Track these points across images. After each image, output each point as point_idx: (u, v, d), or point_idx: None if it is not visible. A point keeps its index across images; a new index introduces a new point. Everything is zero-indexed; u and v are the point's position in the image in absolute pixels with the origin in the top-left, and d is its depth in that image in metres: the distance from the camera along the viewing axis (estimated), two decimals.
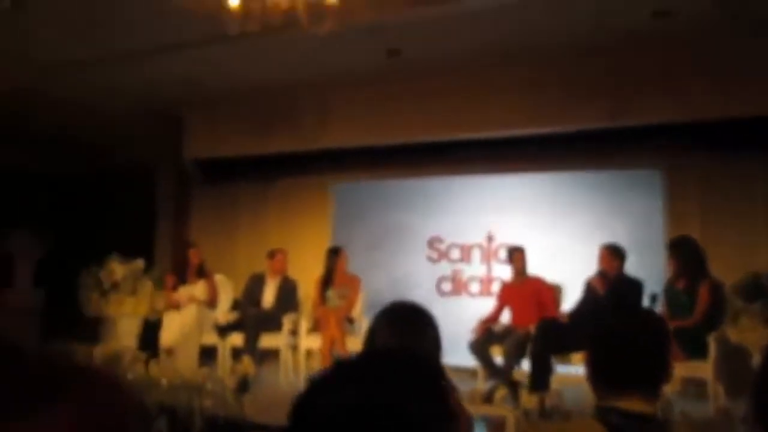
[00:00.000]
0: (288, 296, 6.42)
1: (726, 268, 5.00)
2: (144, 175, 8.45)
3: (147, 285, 6.35)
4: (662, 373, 1.67)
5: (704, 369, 4.49)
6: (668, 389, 4.69)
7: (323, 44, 5.26)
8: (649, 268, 5.70)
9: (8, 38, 5.51)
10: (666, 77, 5.61)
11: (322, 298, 6.17)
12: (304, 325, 6.14)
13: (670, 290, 5.06)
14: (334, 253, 6.37)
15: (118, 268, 6.29)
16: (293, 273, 6.65)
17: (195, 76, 6.43)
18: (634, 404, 1.62)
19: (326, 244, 6.96)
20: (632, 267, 5.46)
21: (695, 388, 4.82)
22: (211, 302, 6.43)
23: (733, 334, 4.43)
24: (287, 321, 6.12)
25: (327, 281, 6.24)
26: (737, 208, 5.87)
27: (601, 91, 5.78)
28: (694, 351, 4.55)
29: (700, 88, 5.47)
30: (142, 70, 6.25)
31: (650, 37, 5.30)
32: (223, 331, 6.23)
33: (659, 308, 4.90)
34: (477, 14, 5.02)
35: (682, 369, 4.67)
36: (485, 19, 5.11)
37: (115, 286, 6.35)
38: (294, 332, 6.14)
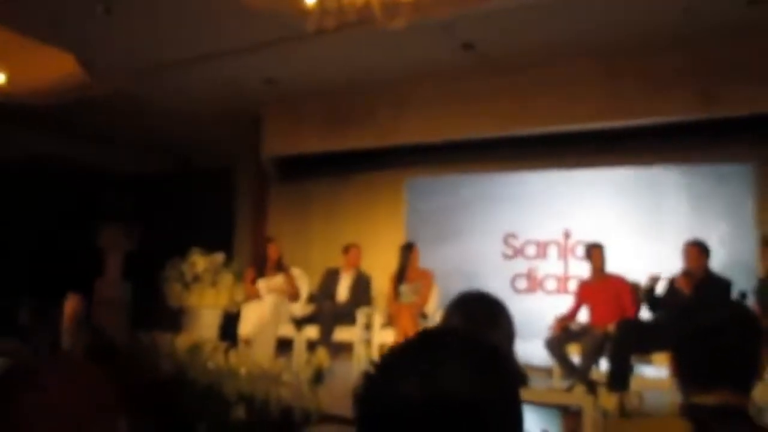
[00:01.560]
0: (362, 290, 6.48)
1: None
2: (225, 174, 8.74)
3: (227, 278, 6.56)
4: (753, 369, 1.59)
5: None
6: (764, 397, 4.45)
7: (398, 40, 5.28)
8: (738, 266, 5.42)
9: (101, 43, 5.80)
10: (758, 67, 5.31)
11: (396, 293, 6.20)
12: (377, 319, 6.17)
13: (763, 287, 4.80)
14: (408, 249, 6.38)
15: (199, 261, 6.52)
16: (367, 268, 6.71)
17: (273, 75, 6.59)
18: (721, 399, 1.55)
19: (400, 239, 6.97)
20: (720, 265, 5.21)
21: None
22: (292, 295, 6.57)
23: None
24: (361, 315, 6.18)
25: (400, 276, 6.27)
26: None
27: (688, 82, 5.54)
28: None
29: None
30: (222, 71, 6.45)
31: (743, 26, 5.03)
32: (299, 323, 6.35)
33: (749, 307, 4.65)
34: (552, 7, 4.91)
35: None
36: (560, 12, 4.99)
37: (196, 278, 6.60)
38: (368, 326, 6.19)
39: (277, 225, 8.14)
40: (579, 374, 5.15)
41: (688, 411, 1.59)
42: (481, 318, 1.94)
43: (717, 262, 5.21)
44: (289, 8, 4.72)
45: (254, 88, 6.90)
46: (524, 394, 1.53)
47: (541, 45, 5.63)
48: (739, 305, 1.72)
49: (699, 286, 4.95)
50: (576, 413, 1.18)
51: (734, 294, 4.78)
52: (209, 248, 6.81)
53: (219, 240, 7.32)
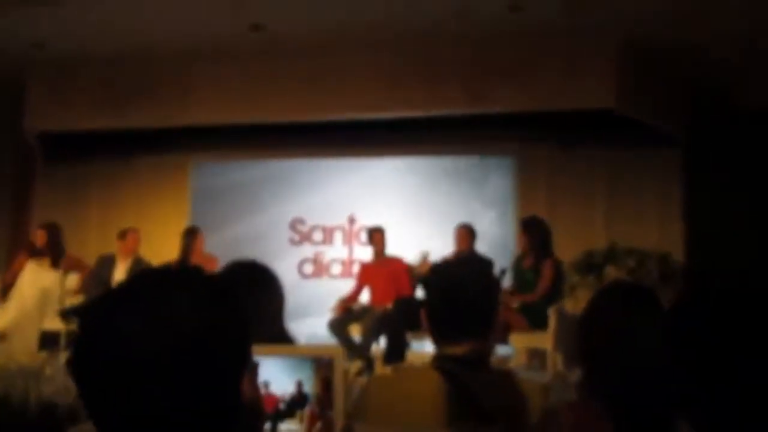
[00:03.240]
0: None
1: (566, 247, 5.39)
2: None
3: None
4: (490, 321, 1.76)
5: (545, 340, 4.81)
6: (513, 362, 5.00)
7: (185, 12, 5.07)
8: (501, 248, 6.02)
9: None
10: (518, 69, 5.92)
11: None
12: None
13: (517, 268, 5.36)
14: (191, 234, 6.16)
15: None
16: (148, 254, 6.34)
17: (39, 38, 5.94)
18: (465, 349, 1.70)
19: (184, 224, 6.70)
20: (486, 247, 5.73)
21: (538, 359, 5.15)
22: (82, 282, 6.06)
23: (570, 306, 4.78)
24: None
25: (183, 262, 6.02)
26: (578, 193, 6.37)
27: (460, 78, 6.00)
28: (537, 323, 4.86)
29: (548, 81, 5.82)
30: None
31: (506, 29, 5.56)
32: (67, 315, 5.82)
33: (507, 283, 5.18)
34: None
35: (525, 340, 4.98)
36: (347, 1, 5.13)
37: None
38: None
39: (45, 209, 7.37)
40: (360, 352, 5.36)
41: (438, 362, 1.73)
42: (249, 283, 1.92)
43: (483, 245, 5.73)
44: None
45: (17, 52, 6.16)
46: (280, 349, 1.54)
47: (330, 32, 5.74)
48: (478, 261, 1.91)
49: (462, 259, 5.39)
50: (328, 363, 1.23)
51: (496, 271, 5.28)
52: None
53: None
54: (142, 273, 0.87)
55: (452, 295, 1.73)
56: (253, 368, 0.96)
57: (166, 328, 0.79)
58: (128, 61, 6.45)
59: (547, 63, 5.85)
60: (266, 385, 1.33)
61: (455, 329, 1.73)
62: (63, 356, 5.47)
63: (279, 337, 1.86)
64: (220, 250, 6.34)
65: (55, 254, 6.08)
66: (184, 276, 0.87)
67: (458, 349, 1.71)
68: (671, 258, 5.13)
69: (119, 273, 6.16)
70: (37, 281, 5.91)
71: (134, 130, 6.83)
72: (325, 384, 1.34)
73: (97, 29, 5.77)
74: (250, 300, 1.87)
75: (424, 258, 5.51)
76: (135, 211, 7.17)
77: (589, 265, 4.81)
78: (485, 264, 5.26)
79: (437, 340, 1.78)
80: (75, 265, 6.16)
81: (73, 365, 0.81)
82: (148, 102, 6.63)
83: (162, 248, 6.47)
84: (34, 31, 5.81)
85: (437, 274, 1.88)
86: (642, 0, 5.03)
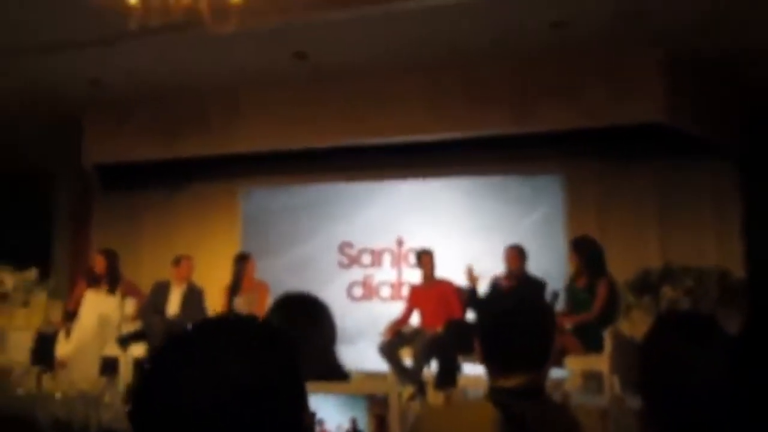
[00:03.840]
0: (194, 304, 6.23)
1: (619, 266, 5.26)
2: (42, 181, 8.02)
3: (41, 296, 6.02)
4: (546, 351, 1.73)
5: (601, 362, 4.69)
6: (568, 384, 4.88)
7: (230, 45, 5.20)
8: (550, 269, 5.91)
9: None
10: (564, 85, 5.85)
11: (230, 305, 6.03)
12: None
13: (571, 288, 5.26)
14: (242, 260, 6.25)
15: (7, 278, 5.92)
16: (200, 280, 6.46)
17: (95, 75, 6.19)
18: (519, 381, 1.67)
19: (235, 250, 6.80)
20: (535, 268, 5.64)
21: (594, 381, 5.02)
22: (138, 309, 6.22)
23: (626, 328, 4.65)
24: None
25: (235, 288, 6.12)
26: (630, 211, 6.22)
27: (504, 97, 5.96)
28: (593, 345, 4.75)
29: (595, 97, 5.73)
30: (38, 68, 5.95)
31: (549, 46, 5.52)
32: (125, 341, 5.96)
33: (560, 305, 5.08)
34: (382, 20, 5.09)
35: (581, 363, 4.86)
36: (390, 25, 5.18)
37: (4, 297, 5.98)
38: None
39: (102, 237, 7.61)
40: (411, 377, 5.32)
41: (492, 394, 1.70)
42: (302, 318, 1.94)
43: (533, 265, 5.64)
44: (114, 5, 4.46)
45: (76, 89, 6.43)
46: (334, 387, 1.55)
47: (372, 57, 5.80)
48: (533, 295, 1.88)
49: (517, 286, 5.32)
50: (382, 400, 1.22)
51: (548, 293, 5.19)
52: (21, 263, 6.20)
53: (33, 254, 6.69)
54: (200, 324, 0.89)
55: (507, 326, 1.71)
56: (311, 417, 0.96)
57: (224, 380, 0.81)
58: (178, 93, 6.65)
59: (593, 79, 5.77)
60: (321, 423, 1.33)
61: (510, 361, 1.70)
62: (121, 383, 5.62)
63: (332, 370, 1.86)
64: (270, 276, 6.42)
65: (113, 280, 6.25)
66: (239, 326, 0.89)
67: (513, 381, 1.68)
68: (731, 276, 4.94)
69: (174, 299, 6.29)
70: (95, 308, 6.08)
71: (185, 160, 7.01)
72: (379, 421, 1.34)
73: (149, 65, 5.97)
74: (301, 334, 1.89)
75: (471, 271, 5.48)
76: (188, 238, 7.33)
77: (645, 285, 4.68)
78: (539, 290, 5.21)
79: (491, 371, 1.75)
80: (131, 291, 6.32)
81: (131, 415, 0.83)
82: (197, 132, 6.81)
83: (214, 274, 6.58)
84: (91, 69, 6.05)
85: (491, 304, 1.86)
86: (688, 11, 4.91)
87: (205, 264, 6.74)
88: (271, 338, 0.87)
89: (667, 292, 4.57)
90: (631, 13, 4.89)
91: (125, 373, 5.84)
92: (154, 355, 0.86)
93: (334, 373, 1.86)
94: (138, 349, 5.85)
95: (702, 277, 4.66)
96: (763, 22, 4.97)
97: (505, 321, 1.74)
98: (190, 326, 0.89)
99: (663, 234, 6.08)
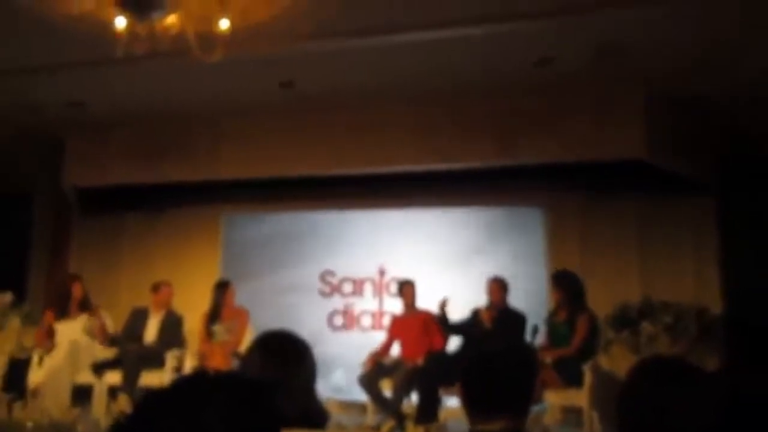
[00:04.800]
0: (172, 331, 6.14)
1: (600, 300, 5.28)
2: (20, 203, 7.91)
3: (14, 321, 5.90)
4: (528, 396, 1.73)
5: (580, 397, 4.69)
6: (548, 418, 4.87)
7: (216, 72, 5.20)
8: (531, 302, 5.92)
9: None
10: (548, 120, 5.92)
11: (209, 332, 5.96)
12: (189, 361, 5.88)
13: (551, 322, 5.27)
14: (222, 287, 6.19)
15: None
16: (180, 307, 6.39)
17: (78, 98, 6.15)
18: (501, 426, 1.66)
19: (215, 277, 6.74)
20: (515, 300, 5.65)
21: (573, 415, 5.01)
22: (103, 338, 6.07)
23: (605, 363, 4.67)
24: (171, 357, 5.84)
25: (214, 315, 6.05)
26: (610, 245, 6.28)
27: (489, 130, 6.02)
28: (572, 380, 4.75)
29: (578, 132, 5.81)
30: (20, 89, 5.91)
31: (534, 81, 5.60)
32: (99, 368, 5.85)
33: (540, 339, 5.08)
34: (370, 52, 5.13)
35: (560, 398, 4.86)
36: (378, 57, 5.23)
37: None
38: (178, 369, 5.87)
39: (80, 261, 7.51)
40: (391, 408, 5.28)
41: None
42: (283, 357, 1.91)
43: (514, 298, 5.65)
44: (99, 30, 4.45)
45: (57, 111, 6.38)
46: None
47: (358, 88, 5.84)
48: (517, 342, 1.89)
49: (498, 319, 5.32)
50: None
51: (528, 327, 5.19)
52: None
53: (7, 277, 6.57)
54: (179, 381, 0.88)
55: (489, 371, 1.71)
56: None
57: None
58: (161, 118, 6.63)
59: (577, 114, 5.85)
60: None
61: (491, 406, 1.70)
62: (95, 411, 5.51)
63: (310, 412, 1.83)
64: (250, 303, 6.36)
65: (83, 306, 6.15)
66: (220, 384, 0.88)
67: (494, 426, 1.68)
68: (709, 313, 4.99)
69: (152, 326, 6.20)
70: (66, 334, 5.97)
71: (167, 185, 6.96)
72: None
73: (133, 89, 5.95)
74: (281, 375, 1.87)
75: (443, 304, 5.49)
76: (167, 264, 7.25)
77: (624, 320, 4.71)
78: (520, 324, 5.21)
79: (472, 415, 1.75)
80: (97, 315, 6.19)
81: None
82: (179, 157, 6.78)
83: (194, 301, 6.50)
84: (73, 91, 6.02)
85: (474, 350, 1.86)
86: (669, 53, 5.02)
87: (184, 290, 6.67)
88: (252, 396, 0.86)
89: (647, 328, 4.60)
90: (614, 52, 4.99)
91: (99, 402, 5.73)
92: (132, 412, 0.85)
93: (311, 413, 1.84)
94: (113, 377, 5.75)
95: (681, 314, 4.70)
96: (737, 66, 5.10)
97: (488, 365, 1.74)
98: (169, 384, 0.88)
99: (643, 268, 6.14)
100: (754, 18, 4.44)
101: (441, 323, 5.51)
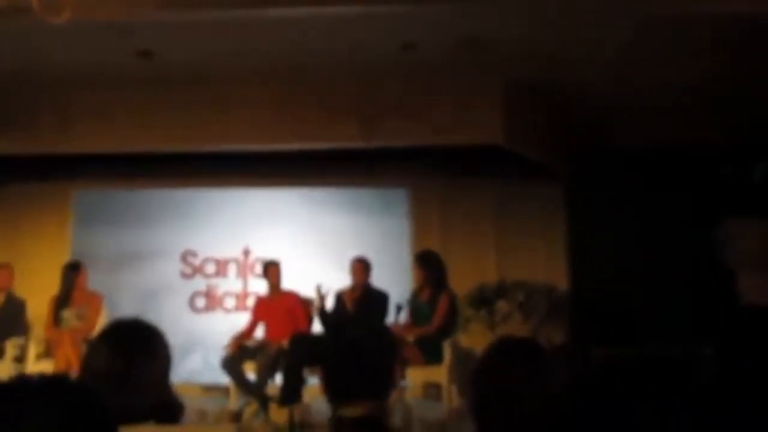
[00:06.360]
0: (12, 317, 5.67)
1: (460, 280, 5.52)
2: None
3: None
4: (389, 381, 1.76)
5: (440, 373, 4.88)
6: (409, 394, 5.03)
7: (69, 36, 4.80)
8: (395, 281, 6.06)
9: None
10: (411, 104, 6.04)
11: (56, 318, 5.56)
12: (32, 350, 5.47)
13: (414, 301, 5.41)
14: (73, 269, 5.79)
15: None
16: (24, 291, 5.92)
17: None
18: (361, 411, 1.68)
19: (64, 258, 6.30)
20: (379, 280, 5.75)
21: (434, 390, 5.21)
22: None
23: (464, 340, 4.89)
24: (11, 346, 5.42)
25: (63, 300, 5.65)
26: (470, 227, 6.57)
27: (353, 112, 6.04)
28: (433, 357, 4.92)
29: (440, 116, 5.98)
30: None
31: (400, 65, 5.67)
32: None
33: (403, 318, 5.21)
34: (233, 26, 4.96)
35: (421, 374, 5.03)
36: (243, 31, 5.06)
37: None
38: (20, 359, 5.45)
39: None
40: (254, 391, 5.21)
41: (333, 424, 1.70)
42: (134, 348, 1.81)
43: (378, 277, 5.75)
44: None
45: None
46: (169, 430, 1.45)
47: (222, 62, 5.63)
48: (377, 321, 1.92)
49: (360, 300, 5.39)
50: None
51: (391, 307, 5.30)
52: None
53: None
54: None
55: (350, 353, 1.72)
56: None
57: None
58: (4, 84, 6.02)
59: (438, 99, 6.01)
60: None
61: (353, 389, 1.71)
62: None
63: (164, 404, 1.76)
64: (104, 287, 6.02)
65: None
66: (40, 389, 0.81)
67: (356, 410, 1.69)
68: (557, 290, 5.37)
69: None
70: None
71: (10, 157, 6.36)
72: None
73: None
74: (132, 366, 1.77)
75: (320, 293, 5.43)
76: (9, 244, 6.68)
77: (481, 299, 4.95)
78: (383, 303, 5.31)
79: (333, 399, 1.76)
80: None
81: None
82: (25, 128, 6.22)
83: (40, 284, 6.05)
84: None
85: (335, 327, 1.86)
86: (526, 44, 5.28)
87: (28, 273, 6.18)
88: (79, 402, 0.80)
89: (502, 306, 4.87)
90: (475, 41, 5.16)
91: None
92: None
93: (165, 405, 1.76)
94: None
95: (532, 293, 5.02)
96: (592, 54, 5.45)
97: (348, 348, 1.75)
98: None
99: (499, 250, 6.49)
100: (605, 17, 4.77)
101: (320, 316, 5.42)
